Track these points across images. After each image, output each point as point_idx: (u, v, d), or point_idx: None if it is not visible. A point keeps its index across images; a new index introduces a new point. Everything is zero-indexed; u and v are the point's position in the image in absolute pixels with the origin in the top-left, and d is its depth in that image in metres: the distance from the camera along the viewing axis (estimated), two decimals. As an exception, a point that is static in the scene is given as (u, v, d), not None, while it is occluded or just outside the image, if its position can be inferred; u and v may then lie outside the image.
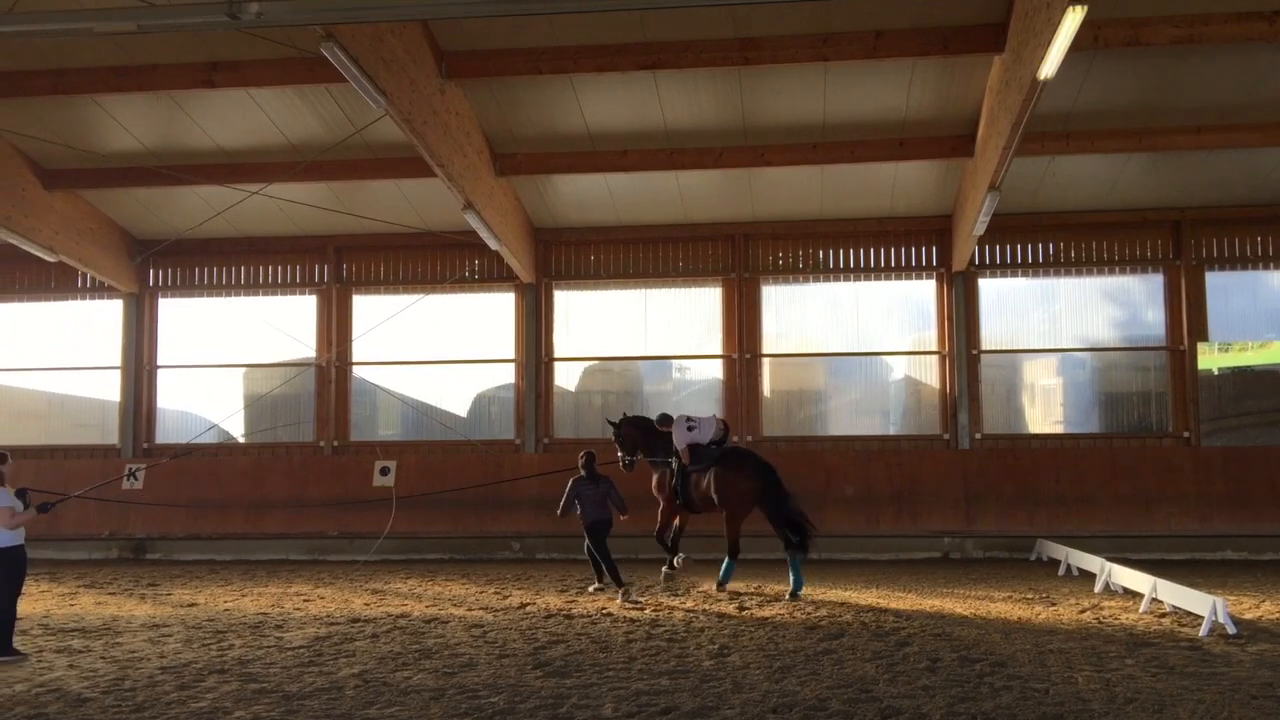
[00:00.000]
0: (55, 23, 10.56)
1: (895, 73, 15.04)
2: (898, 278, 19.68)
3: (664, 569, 13.84)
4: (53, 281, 20.57)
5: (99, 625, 11.38)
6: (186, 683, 8.41)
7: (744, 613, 11.75)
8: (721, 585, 13.39)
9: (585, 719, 7.16)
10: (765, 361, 19.68)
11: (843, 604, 12.37)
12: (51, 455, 20.35)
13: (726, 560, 13.32)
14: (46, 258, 18.31)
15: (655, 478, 13.97)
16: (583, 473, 13.28)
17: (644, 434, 14.09)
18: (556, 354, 20.03)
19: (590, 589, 13.56)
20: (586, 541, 13.32)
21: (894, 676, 8.37)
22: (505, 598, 13.30)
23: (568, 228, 19.84)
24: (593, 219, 19.56)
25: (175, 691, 8.09)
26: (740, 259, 19.64)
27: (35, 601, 13.33)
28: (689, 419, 13.73)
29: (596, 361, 20.34)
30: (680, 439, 13.54)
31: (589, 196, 18.77)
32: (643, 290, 20.11)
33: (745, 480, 13.12)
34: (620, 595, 12.69)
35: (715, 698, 7.68)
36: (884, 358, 19.85)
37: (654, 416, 14.33)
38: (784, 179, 18.08)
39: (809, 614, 11.60)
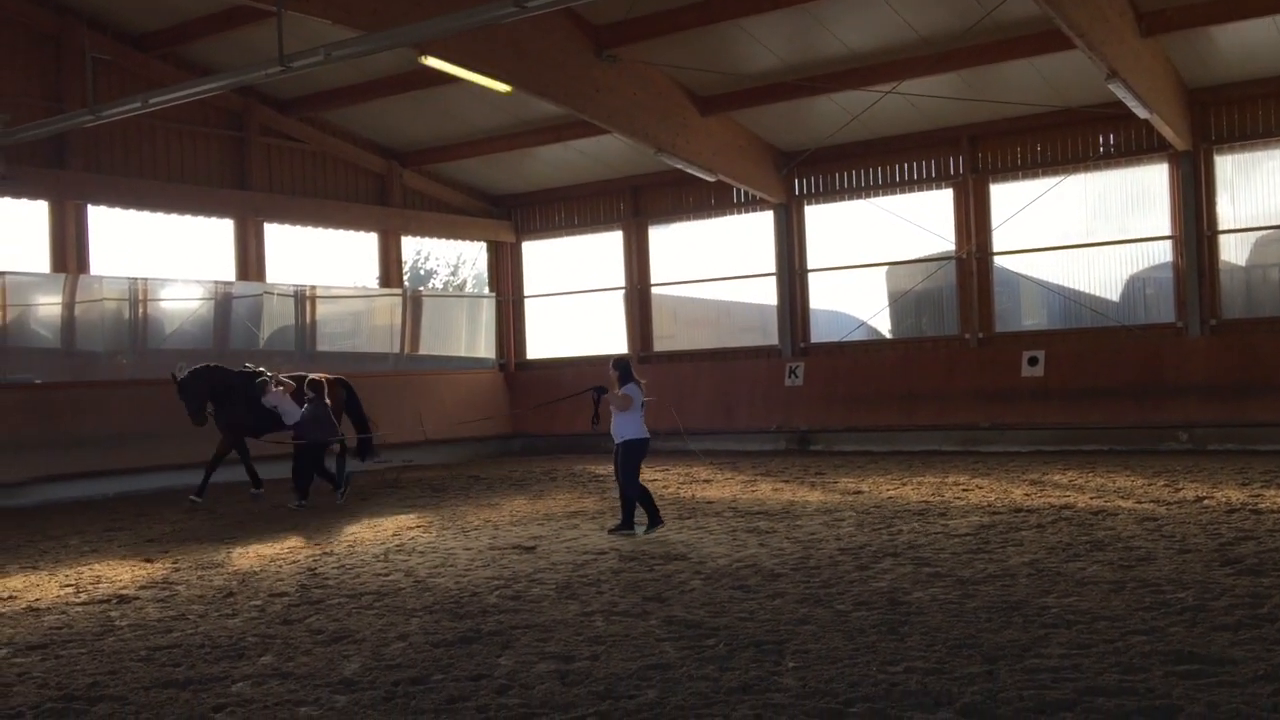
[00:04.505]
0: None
1: None
2: None
3: (194, 498, 14.90)
4: (712, 199, 22.55)
5: (779, 509, 12.48)
6: (864, 563, 8.96)
7: None
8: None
9: (1292, 622, 6.53)
10: None
11: None
12: (722, 357, 22.52)
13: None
14: (707, 178, 20.16)
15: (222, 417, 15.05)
16: (309, 393, 14.33)
17: (217, 383, 14.98)
18: (1220, 226, 18.12)
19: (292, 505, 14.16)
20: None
21: None
22: (1177, 490, 12.47)
23: (1229, 84, 17.70)
24: (1260, 70, 17.25)
25: (855, 571, 8.65)
26: None
27: (722, 488, 14.96)
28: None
29: (1272, 231, 18.08)
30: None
31: (1255, 44, 16.55)
32: (1328, 143, 17.47)
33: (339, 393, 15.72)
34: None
35: None
36: None
37: None
38: None
39: None
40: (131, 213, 19.43)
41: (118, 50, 18.61)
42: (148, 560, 10.62)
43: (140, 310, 19.26)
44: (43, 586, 9.43)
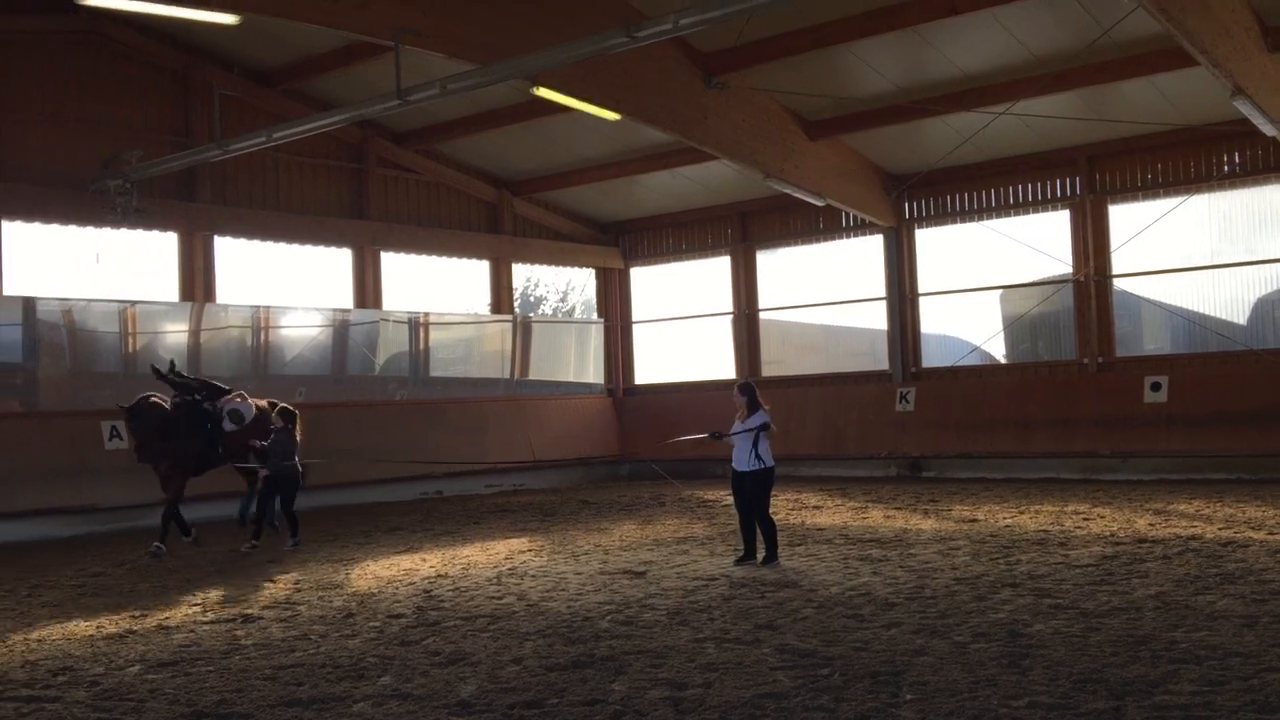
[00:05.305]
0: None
1: None
2: None
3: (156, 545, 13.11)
4: (820, 223, 22.41)
5: (891, 537, 12.30)
6: (982, 594, 8.77)
7: None
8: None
9: None
10: None
11: None
12: (831, 383, 22.31)
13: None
14: (815, 202, 20.06)
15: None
16: (280, 422, 13.40)
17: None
18: (1356, 246, 17.42)
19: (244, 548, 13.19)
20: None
21: None
22: (1313, 522, 11.97)
23: (1362, 98, 17.03)
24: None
25: (973, 601, 8.47)
26: None
27: (833, 514, 14.80)
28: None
29: None
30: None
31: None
32: None
33: None
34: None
35: None
36: None
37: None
38: None
39: None
40: (255, 243, 20.09)
41: (243, 86, 19.32)
42: (270, 581, 10.92)
43: (263, 337, 19.90)
44: (172, 605, 9.77)
